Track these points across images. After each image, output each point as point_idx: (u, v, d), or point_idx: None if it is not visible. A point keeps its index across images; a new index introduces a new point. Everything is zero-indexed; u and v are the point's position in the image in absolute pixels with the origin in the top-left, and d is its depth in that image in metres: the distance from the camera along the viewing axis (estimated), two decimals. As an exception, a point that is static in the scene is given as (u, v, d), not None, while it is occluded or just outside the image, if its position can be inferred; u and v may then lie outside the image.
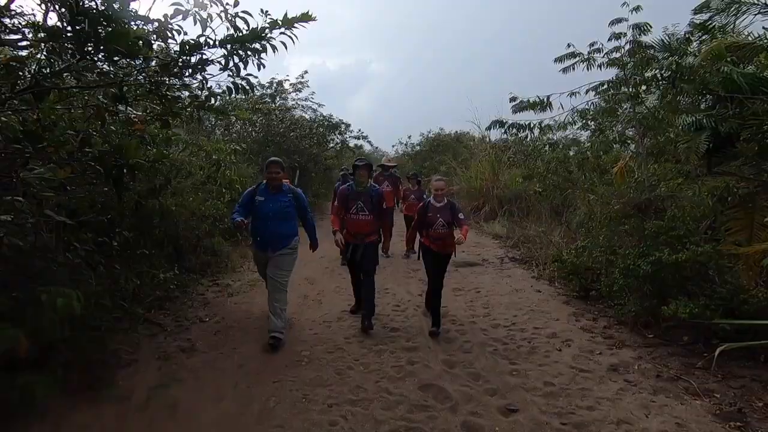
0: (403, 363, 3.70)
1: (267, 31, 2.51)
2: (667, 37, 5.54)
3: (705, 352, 3.74)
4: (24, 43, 2.55)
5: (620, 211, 5.34)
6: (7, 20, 2.46)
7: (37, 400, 2.56)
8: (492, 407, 3.01)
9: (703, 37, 5.33)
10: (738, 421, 2.85)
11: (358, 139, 17.81)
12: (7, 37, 2.49)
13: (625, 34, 5.70)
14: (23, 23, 2.55)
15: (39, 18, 2.62)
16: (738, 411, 2.97)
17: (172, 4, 2.45)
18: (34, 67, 2.48)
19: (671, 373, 3.52)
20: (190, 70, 2.74)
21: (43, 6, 2.49)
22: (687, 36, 5.43)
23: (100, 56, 2.30)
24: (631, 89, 5.69)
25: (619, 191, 5.88)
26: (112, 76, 2.70)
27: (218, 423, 2.81)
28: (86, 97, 3.16)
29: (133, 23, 2.36)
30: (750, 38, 4.73)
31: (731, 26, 5.04)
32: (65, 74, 2.62)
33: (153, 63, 2.76)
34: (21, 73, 2.34)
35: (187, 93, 3.28)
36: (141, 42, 2.31)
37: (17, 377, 2.44)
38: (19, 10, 2.60)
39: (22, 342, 2.08)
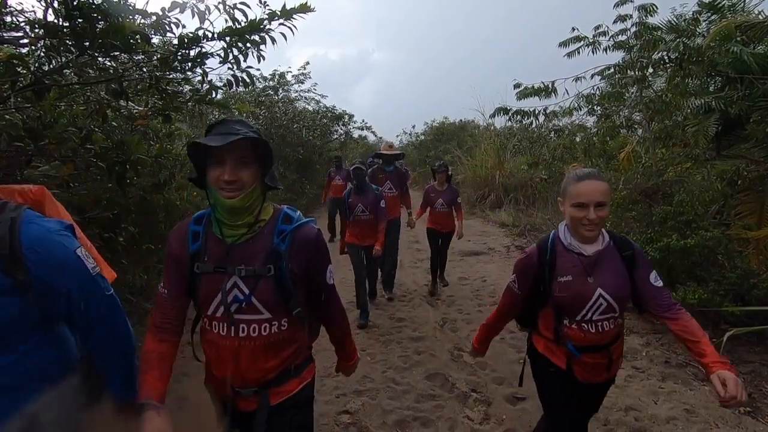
0: (410, 353, 3.71)
1: (265, 22, 2.48)
2: (674, 18, 5.42)
3: (714, 337, 3.72)
4: (25, 41, 2.54)
5: (627, 197, 5.28)
6: (8, 18, 2.45)
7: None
8: (499, 395, 3.02)
9: (712, 17, 5.20)
10: (747, 406, 2.84)
11: (362, 129, 17.75)
12: (8, 35, 2.48)
13: (631, 15, 5.60)
14: (23, 20, 2.54)
15: (40, 15, 2.61)
16: (747, 396, 2.95)
17: (169, -4, 2.42)
18: (34, 64, 2.48)
19: (680, 359, 3.50)
20: (190, 64, 2.72)
21: (43, 2, 2.47)
22: (695, 16, 5.31)
23: (96, 52, 2.28)
24: (637, 72, 5.60)
25: (626, 177, 5.82)
26: (111, 71, 2.69)
27: (227, 415, 2.84)
28: (88, 93, 3.15)
29: (130, 17, 2.34)
30: (761, 17, 4.61)
31: (741, 5, 4.91)
32: (66, 70, 2.62)
33: (155, 58, 2.75)
34: (21, 71, 2.34)
35: (188, 87, 3.27)
36: (138, 37, 2.29)
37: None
38: (19, 8, 2.59)
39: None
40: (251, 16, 2.56)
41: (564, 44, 6.12)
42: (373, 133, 18.79)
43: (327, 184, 8.54)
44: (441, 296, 5.21)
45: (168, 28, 2.50)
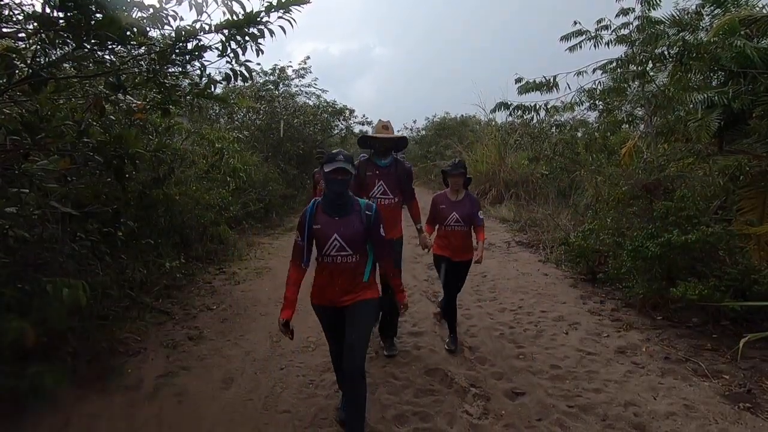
0: (409, 348, 3.71)
1: (263, 14, 2.45)
2: (677, 12, 5.37)
3: (714, 333, 3.72)
4: (22, 34, 2.52)
5: (628, 192, 5.25)
6: (5, 12, 2.43)
7: (46, 390, 2.60)
8: (498, 391, 3.02)
9: (716, 11, 5.16)
10: (747, 401, 2.83)
11: (363, 124, 17.66)
12: (7, 30, 2.46)
13: (634, 9, 5.54)
14: (19, 12, 2.52)
15: (38, 8, 2.59)
16: (747, 392, 2.95)
17: (167, -11, 2.40)
18: (32, 57, 2.46)
19: (679, 354, 3.49)
20: (188, 57, 2.70)
21: (40, -6, 2.45)
22: (698, 10, 5.27)
23: (93, 44, 2.26)
24: (638, 67, 5.56)
25: (627, 172, 5.78)
26: (108, 65, 2.66)
27: (226, 410, 2.84)
28: (86, 87, 3.13)
29: (126, 10, 2.32)
30: (765, 11, 4.57)
31: (745, -1, 4.88)
32: (64, 64, 2.60)
33: (153, 51, 2.72)
34: (18, 63, 2.32)
35: (187, 81, 3.25)
36: (135, 29, 2.27)
37: (27, 368, 2.48)
38: (18, 1, 2.57)
39: (28, 332, 2.10)
40: (249, 9, 2.53)
41: (566, 38, 6.07)
42: (374, 128, 18.67)
43: (313, 189, 6.92)
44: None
45: (165, 21, 2.48)
